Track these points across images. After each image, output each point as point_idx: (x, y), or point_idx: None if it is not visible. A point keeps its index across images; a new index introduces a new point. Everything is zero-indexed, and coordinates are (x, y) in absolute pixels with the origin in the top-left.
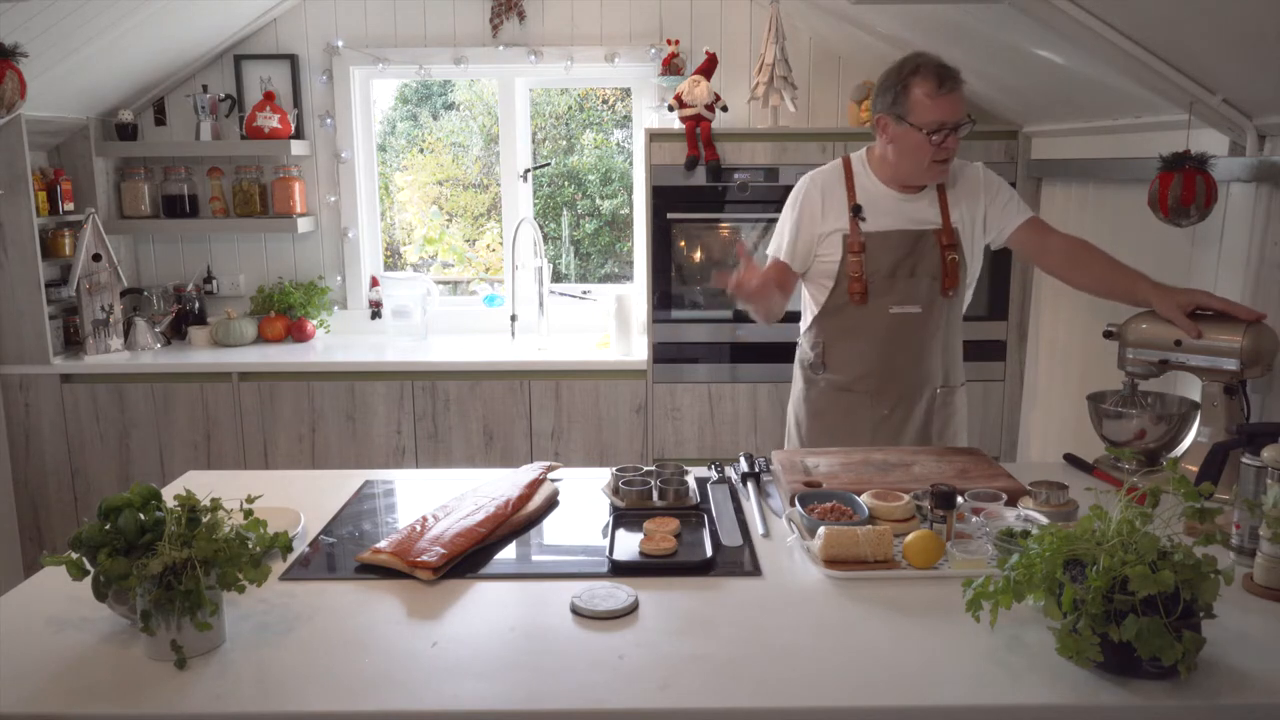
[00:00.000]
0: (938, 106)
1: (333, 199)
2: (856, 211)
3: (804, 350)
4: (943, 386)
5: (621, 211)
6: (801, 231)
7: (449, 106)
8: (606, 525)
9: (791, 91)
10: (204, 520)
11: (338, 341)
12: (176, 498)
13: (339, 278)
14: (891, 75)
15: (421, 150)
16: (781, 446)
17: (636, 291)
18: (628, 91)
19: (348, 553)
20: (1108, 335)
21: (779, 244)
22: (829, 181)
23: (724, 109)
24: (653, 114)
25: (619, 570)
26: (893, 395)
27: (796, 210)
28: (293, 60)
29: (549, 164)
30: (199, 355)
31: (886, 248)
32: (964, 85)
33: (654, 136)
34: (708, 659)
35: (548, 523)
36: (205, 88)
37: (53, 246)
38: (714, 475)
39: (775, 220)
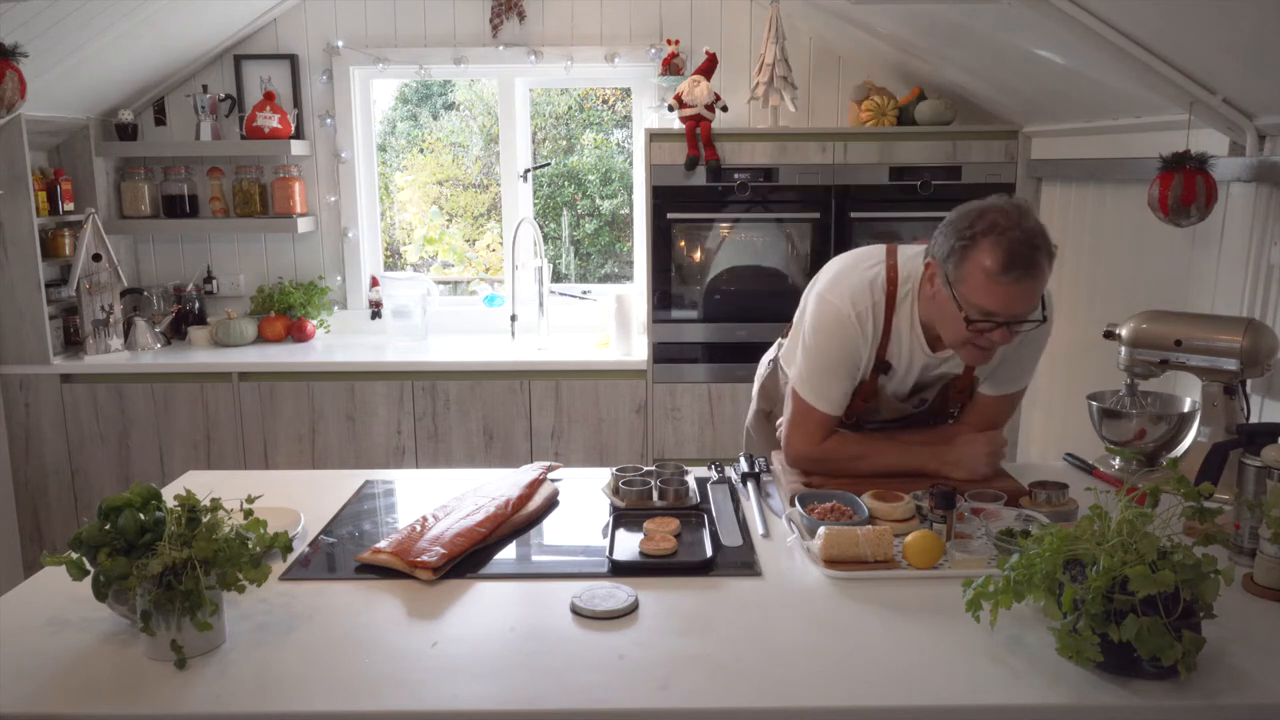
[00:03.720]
0: (994, 293)
1: (333, 199)
2: (883, 369)
3: (775, 383)
4: None
5: (621, 211)
6: (853, 378)
7: (449, 106)
8: (606, 525)
9: (791, 91)
10: (204, 520)
11: (338, 341)
12: (176, 498)
13: (339, 278)
14: (963, 220)
15: (421, 150)
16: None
17: (636, 291)
18: (628, 91)
19: (348, 553)
20: (1108, 335)
21: (829, 395)
22: (873, 324)
23: (724, 109)
24: (653, 114)
25: (619, 570)
26: None
27: (847, 362)
28: (293, 60)
29: (549, 164)
30: (199, 355)
31: (894, 410)
32: (1049, 265)
33: (654, 136)
34: (708, 659)
35: (548, 523)
36: (205, 88)
37: (53, 246)
38: (714, 475)
39: (776, 220)
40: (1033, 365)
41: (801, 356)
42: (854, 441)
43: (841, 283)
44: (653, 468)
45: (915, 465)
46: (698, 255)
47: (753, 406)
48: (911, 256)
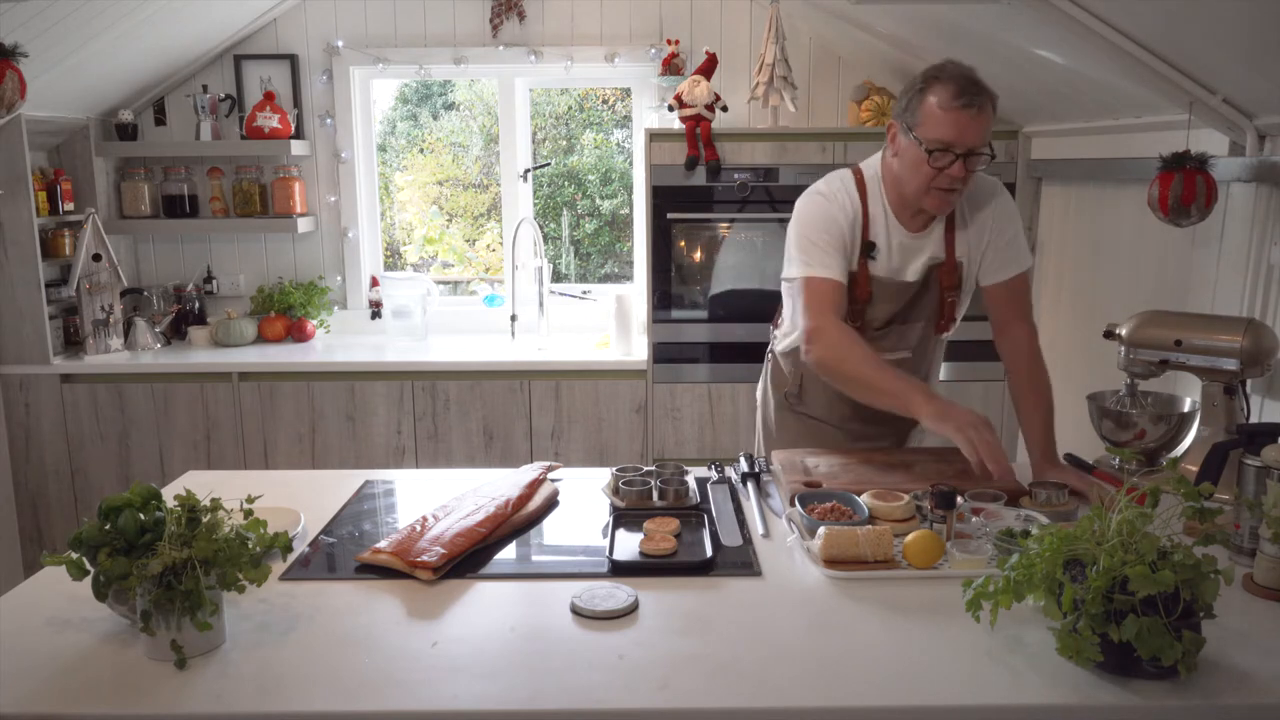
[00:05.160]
0: (947, 122)
1: (333, 199)
2: (869, 251)
3: (780, 372)
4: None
5: (621, 211)
6: (844, 249)
7: (449, 106)
8: (606, 525)
9: (791, 91)
10: (204, 520)
11: (338, 341)
12: (176, 498)
13: (339, 278)
14: (914, 79)
15: (421, 150)
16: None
17: (636, 291)
18: (628, 91)
19: (348, 553)
20: (1108, 335)
21: (827, 262)
22: (849, 200)
23: (724, 109)
24: (653, 114)
25: (619, 570)
26: (871, 436)
27: (832, 227)
28: (293, 60)
29: (549, 164)
30: (199, 355)
31: (890, 297)
32: (992, 109)
33: (654, 136)
34: (708, 659)
35: (548, 523)
36: (205, 88)
37: (53, 246)
38: (714, 475)
39: (776, 220)
40: (1019, 238)
41: (794, 252)
42: (862, 343)
43: (814, 187)
44: (653, 468)
45: (899, 388)
46: (698, 255)
47: (770, 400)
48: (871, 161)
